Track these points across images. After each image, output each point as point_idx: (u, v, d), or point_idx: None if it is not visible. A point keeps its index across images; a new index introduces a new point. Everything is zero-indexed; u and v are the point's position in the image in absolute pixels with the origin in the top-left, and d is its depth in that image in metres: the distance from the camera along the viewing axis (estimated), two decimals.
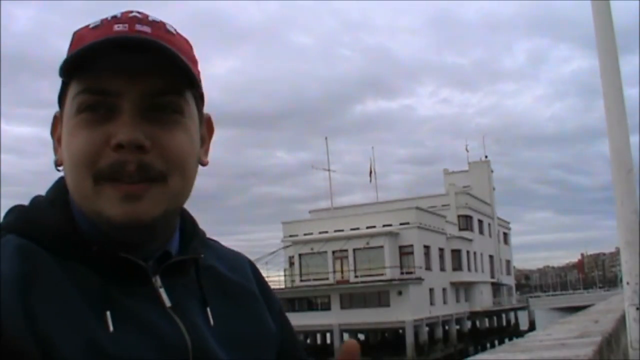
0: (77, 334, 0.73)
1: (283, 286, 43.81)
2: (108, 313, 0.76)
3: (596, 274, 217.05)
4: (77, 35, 0.86)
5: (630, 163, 4.74)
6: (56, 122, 0.89)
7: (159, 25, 0.86)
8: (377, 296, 39.90)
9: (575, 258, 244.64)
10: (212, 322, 0.87)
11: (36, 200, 0.88)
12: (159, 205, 0.81)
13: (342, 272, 42.41)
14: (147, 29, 0.84)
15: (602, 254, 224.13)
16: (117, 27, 0.83)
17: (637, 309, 4.54)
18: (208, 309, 0.88)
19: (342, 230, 43.55)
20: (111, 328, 0.75)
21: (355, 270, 41.84)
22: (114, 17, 0.85)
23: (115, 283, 0.80)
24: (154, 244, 0.86)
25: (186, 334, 0.81)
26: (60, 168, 0.87)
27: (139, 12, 0.86)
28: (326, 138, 57.28)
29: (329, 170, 55.25)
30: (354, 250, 41.95)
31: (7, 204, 0.91)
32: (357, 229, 43.47)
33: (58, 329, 0.71)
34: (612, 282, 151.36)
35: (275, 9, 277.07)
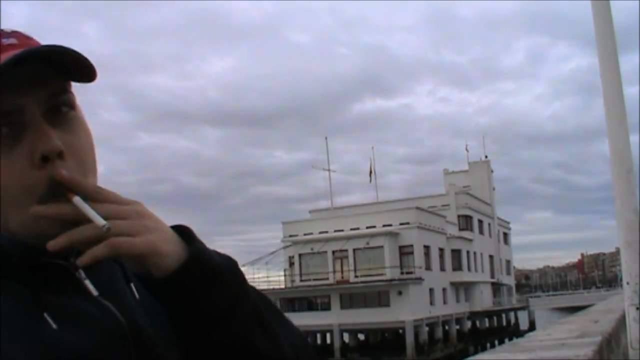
0: (21, 338, 0.74)
1: (283, 286, 43.83)
2: (46, 314, 0.78)
3: (596, 274, 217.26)
4: None
5: (630, 163, 4.73)
6: None
7: (18, 34, 0.84)
8: (377, 296, 39.92)
9: (575, 258, 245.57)
10: (137, 296, 0.90)
11: None
12: None
13: (342, 272, 42.42)
14: (13, 40, 0.82)
15: (602, 254, 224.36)
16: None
17: (637, 309, 4.53)
18: (132, 285, 0.91)
19: (342, 230, 43.56)
20: (54, 326, 0.77)
21: (355, 270, 41.85)
22: None
23: (44, 286, 0.82)
24: None
25: (120, 316, 0.84)
26: None
27: None
28: (326, 138, 57.44)
29: (329, 170, 55.35)
30: (354, 250, 41.97)
31: None
32: (357, 229, 43.50)
33: (2, 337, 0.73)
34: (612, 282, 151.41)
35: (272, 7, 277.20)
